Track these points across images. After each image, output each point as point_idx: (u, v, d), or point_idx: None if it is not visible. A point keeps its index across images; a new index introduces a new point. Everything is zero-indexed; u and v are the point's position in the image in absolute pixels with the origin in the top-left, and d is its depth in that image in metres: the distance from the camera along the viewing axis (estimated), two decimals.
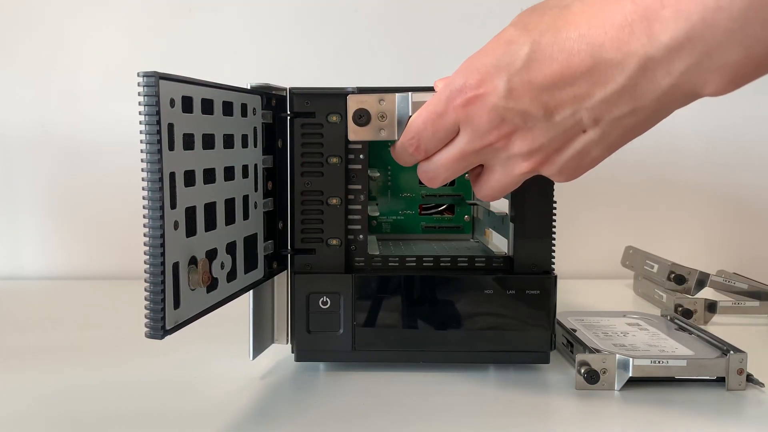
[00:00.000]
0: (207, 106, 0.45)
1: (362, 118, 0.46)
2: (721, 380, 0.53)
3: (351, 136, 0.48)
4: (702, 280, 0.75)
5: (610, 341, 0.57)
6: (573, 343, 0.58)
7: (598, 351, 0.54)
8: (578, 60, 0.36)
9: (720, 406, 0.50)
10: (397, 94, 0.46)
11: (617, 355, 0.52)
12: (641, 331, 0.60)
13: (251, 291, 0.53)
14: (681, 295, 0.74)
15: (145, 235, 0.39)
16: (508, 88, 0.38)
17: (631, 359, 0.52)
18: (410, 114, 0.45)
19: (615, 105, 0.37)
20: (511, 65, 0.38)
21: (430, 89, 0.46)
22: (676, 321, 0.63)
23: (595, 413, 0.49)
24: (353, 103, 0.47)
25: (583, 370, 0.52)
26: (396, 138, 0.47)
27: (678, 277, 0.75)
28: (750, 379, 0.53)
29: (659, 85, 0.35)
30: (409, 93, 0.45)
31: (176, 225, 0.41)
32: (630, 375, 0.52)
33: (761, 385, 0.52)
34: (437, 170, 0.45)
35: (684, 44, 0.33)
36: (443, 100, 0.41)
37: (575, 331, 0.59)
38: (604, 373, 0.52)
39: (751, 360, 0.55)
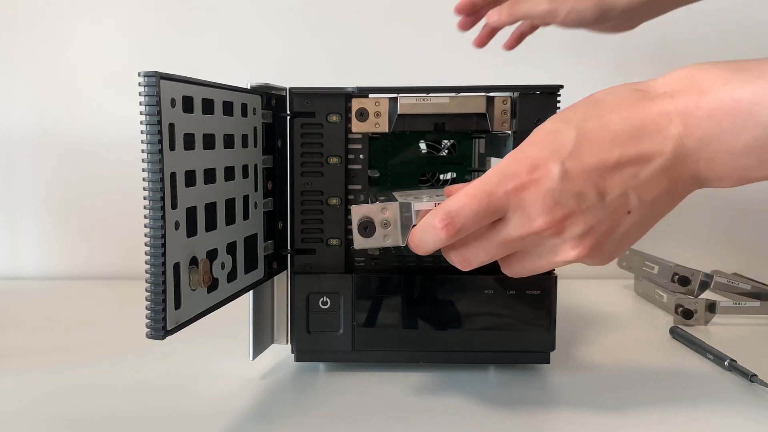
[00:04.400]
0: (207, 106, 0.45)
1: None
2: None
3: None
4: (706, 282, 0.75)
5: None
6: None
7: None
8: (623, 141, 0.38)
9: (722, 409, 0.50)
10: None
11: None
12: None
13: (251, 291, 0.53)
14: (682, 295, 0.74)
15: (146, 235, 0.39)
16: (563, 170, 0.38)
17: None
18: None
19: (656, 185, 0.39)
20: (562, 150, 0.39)
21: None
22: None
23: (595, 413, 0.49)
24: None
25: None
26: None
27: (682, 279, 0.75)
28: (753, 379, 0.53)
29: (689, 169, 0.39)
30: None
31: (177, 225, 0.41)
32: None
33: (766, 385, 0.52)
34: (477, 254, 0.43)
35: (708, 143, 0.38)
36: (494, 182, 0.40)
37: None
38: None
39: (753, 360, 0.55)
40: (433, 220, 0.41)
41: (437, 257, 0.57)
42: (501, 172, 0.40)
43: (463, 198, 0.40)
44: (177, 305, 0.41)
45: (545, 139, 0.40)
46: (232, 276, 0.49)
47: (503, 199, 0.40)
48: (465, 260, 0.43)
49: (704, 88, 0.38)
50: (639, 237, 0.42)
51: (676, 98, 0.38)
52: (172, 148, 0.41)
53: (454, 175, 0.72)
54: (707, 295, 0.75)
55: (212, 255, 0.46)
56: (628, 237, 0.41)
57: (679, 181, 0.40)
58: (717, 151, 0.38)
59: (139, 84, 0.39)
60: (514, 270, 0.44)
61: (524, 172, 0.39)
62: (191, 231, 0.43)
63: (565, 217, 0.39)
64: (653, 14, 0.68)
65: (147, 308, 0.40)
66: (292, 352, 0.57)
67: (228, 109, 0.48)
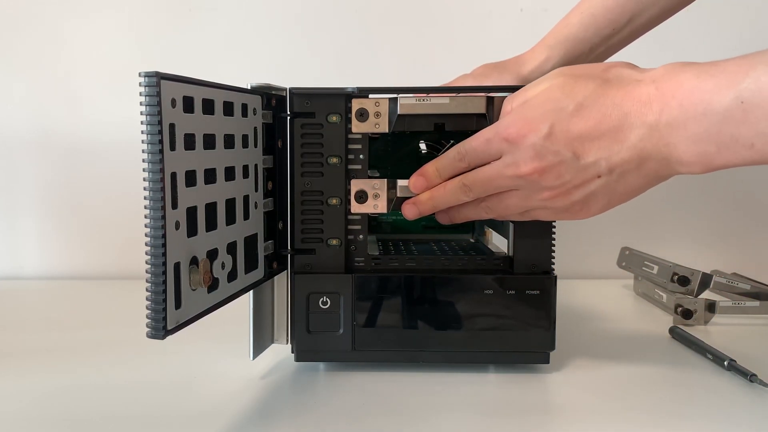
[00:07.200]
0: (208, 107, 0.45)
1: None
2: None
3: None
4: (705, 281, 0.75)
5: None
6: None
7: None
8: (609, 121, 0.46)
9: (722, 409, 0.50)
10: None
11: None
12: None
13: (251, 291, 0.53)
14: (681, 295, 0.74)
15: (146, 235, 0.39)
16: (549, 132, 0.47)
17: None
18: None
19: (626, 159, 0.46)
20: (557, 117, 0.47)
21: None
22: None
23: (594, 413, 0.49)
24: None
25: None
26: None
27: (682, 279, 0.75)
28: (753, 379, 0.53)
29: (659, 151, 0.45)
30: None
31: (177, 225, 0.41)
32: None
33: (766, 385, 0.52)
34: (474, 180, 0.51)
35: (677, 129, 0.44)
36: (493, 132, 0.50)
37: None
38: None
39: (753, 360, 0.55)
40: (454, 152, 0.52)
41: (437, 256, 0.57)
42: (502, 124, 0.50)
43: (474, 138, 0.51)
44: (177, 305, 0.41)
45: (550, 103, 0.48)
46: (232, 276, 0.49)
47: (498, 144, 0.49)
48: (465, 185, 0.52)
49: (681, 81, 0.44)
50: (607, 203, 0.49)
51: (659, 88, 0.45)
52: (172, 148, 0.41)
53: None
54: (707, 295, 0.75)
55: (212, 255, 0.46)
56: (597, 198, 0.49)
57: (648, 160, 0.46)
58: (682, 137, 0.44)
59: (140, 84, 0.39)
60: (497, 207, 0.52)
61: (520, 127, 0.48)
62: (191, 231, 0.43)
63: (544, 168, 0.48)
64: None
65: (147, 308, 0.40)
66: (292, 352, 0.57)
67: (228, 109, 0.48)
